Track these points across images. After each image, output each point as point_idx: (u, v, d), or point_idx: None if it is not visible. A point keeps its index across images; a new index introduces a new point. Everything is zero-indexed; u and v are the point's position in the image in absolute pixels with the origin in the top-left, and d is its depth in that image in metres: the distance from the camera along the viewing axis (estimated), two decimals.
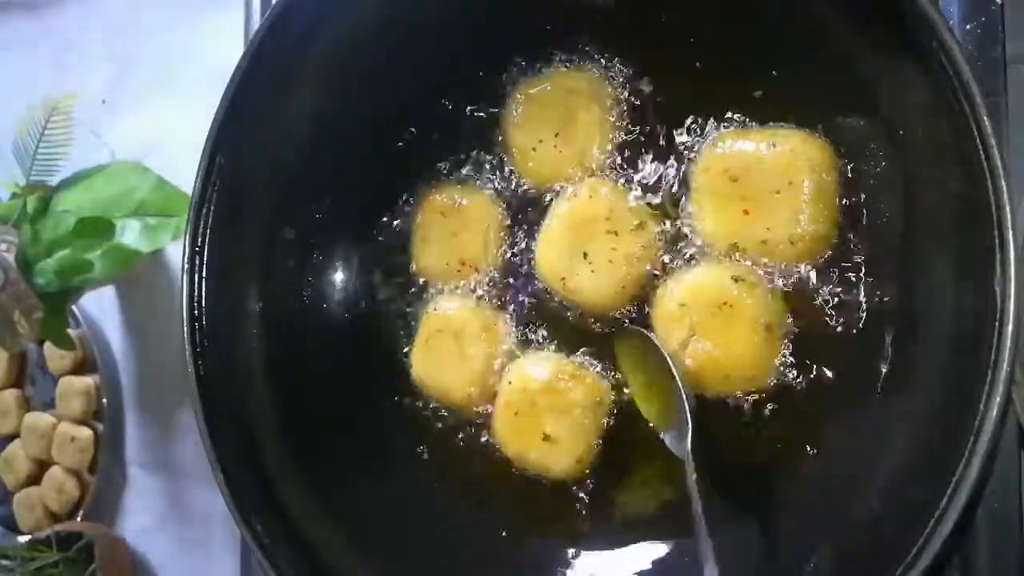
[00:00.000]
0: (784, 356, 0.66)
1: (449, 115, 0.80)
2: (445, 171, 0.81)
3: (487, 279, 0.78)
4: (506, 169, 0.78)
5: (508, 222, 0.78)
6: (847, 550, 0.60)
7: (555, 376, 0.72)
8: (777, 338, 0.65)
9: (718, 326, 0.65)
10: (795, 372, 0.66)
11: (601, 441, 0.72)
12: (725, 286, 0.65)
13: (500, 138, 0.78)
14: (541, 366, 0.73)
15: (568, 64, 0.76)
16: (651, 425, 0.69)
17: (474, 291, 0.78)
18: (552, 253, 0.73)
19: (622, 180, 0.73)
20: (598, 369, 0.73)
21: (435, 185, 0.81)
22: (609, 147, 0.73)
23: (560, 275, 0.72)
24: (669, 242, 0.70)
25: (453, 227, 0.78)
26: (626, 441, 0.72)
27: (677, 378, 0.64)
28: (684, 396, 0.63)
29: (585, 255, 0.71)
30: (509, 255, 0.78)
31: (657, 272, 0.70)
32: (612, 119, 0.73)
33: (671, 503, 0.70)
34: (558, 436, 0.71)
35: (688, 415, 0.63)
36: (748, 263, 0.67)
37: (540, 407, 0.72)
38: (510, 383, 0.74)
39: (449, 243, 0.79)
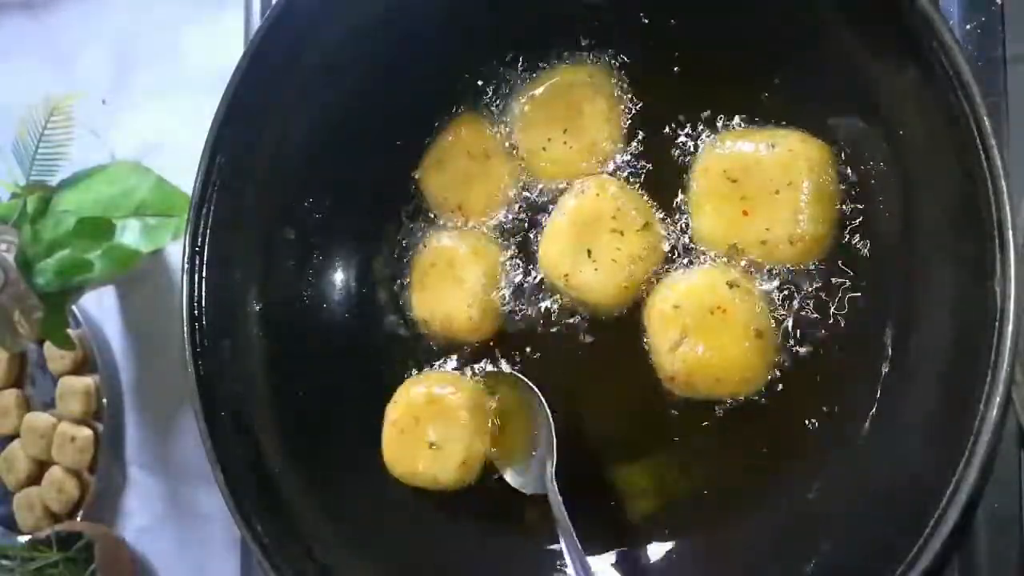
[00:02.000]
0: (779, 358, 0.66)
1: (451, 114, 0.80)
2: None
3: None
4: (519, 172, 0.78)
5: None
6: (847, 550, 0.60)
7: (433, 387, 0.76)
8: (769, 344, 0.65)
9: (710, 330, 0.65)
10: (793, 373, 0.66)
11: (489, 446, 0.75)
12: (720, 291, 0.65)
13: (507, 143, 0.78)
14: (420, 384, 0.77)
15: (567, 60, 0.76)
16: (500, 469, 0.74)
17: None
18: (556, 248, 0.73)
19: (628, 175, 0.73)
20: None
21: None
22: (620, 138, 0.73)
23: (563, 271, 0.72)
24: (671, 244, 0.70)
25: (468, 171, 0.79)
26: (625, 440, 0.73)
27: (544, 405, 0.69)
28: (550, 425, 0.68)
29: (589, 253, 0.71)
30: (514, 247, 0.78)
31: (659, 273, 0.70)
32: (619, 108, 0.73)
33: (667, 504, 0.70)
34: (442, 443, 0.74)
35: (553, 445, 0.67)
36: (744, 263, 0.67)
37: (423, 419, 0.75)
38: (395, 403, 0.77)
39: (463, 183, 0.79)
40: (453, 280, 0.77)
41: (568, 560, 0.62)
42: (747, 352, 0.65)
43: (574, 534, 0.63)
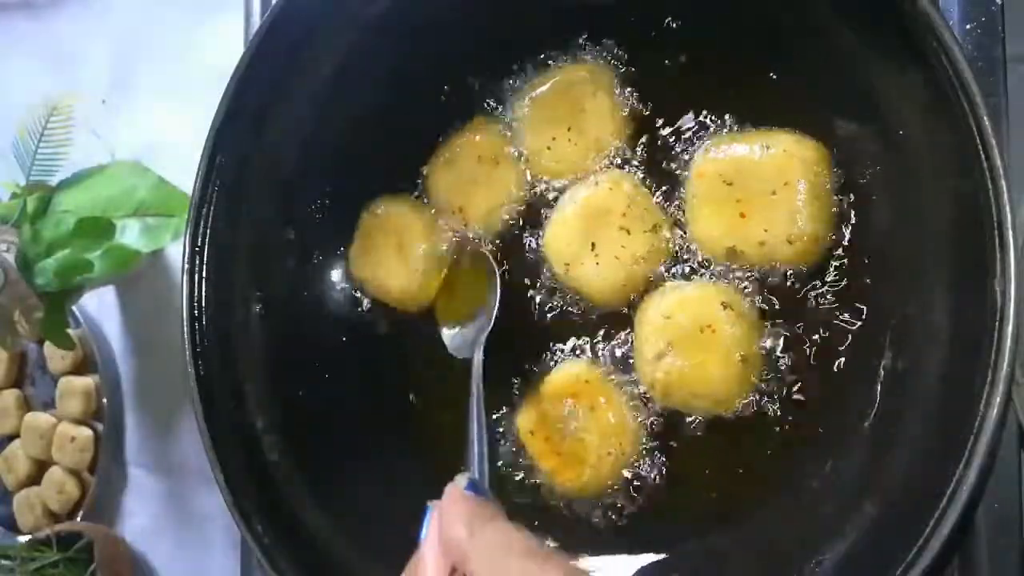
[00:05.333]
0: (773, 368, 0.66)
1: (456, 117, 0.80)
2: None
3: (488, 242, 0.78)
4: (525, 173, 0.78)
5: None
6: (847, 551, 0.60)
7: None
8: (752, 369, 0.66)
9: (695, 346, 0.66)
10: (792, 375, 0.66)
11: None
12: (712, 310, 0.66)
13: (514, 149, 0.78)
14: None
15: (564, 60, 0.76)
16: (440, 324, 0.78)
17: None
18: (561, 237, 0.72)
19: (639, 174, 0.73)
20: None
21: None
22: (623, 132, 0.73)
23: (565, 260, 0.72)
24: (674, 247, 0.70)
25: (476, 175, 0.78)
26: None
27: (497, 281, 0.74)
28: (497, 299, 0.74)
29: (593, 246, 0.70)
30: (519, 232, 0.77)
31: (660, 276, 0.70)
32: (620, 104, 0.73)
33: (666, 506, 0.70)
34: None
35: (493, 317, 0.73)
36: (741, 274, 0.67)
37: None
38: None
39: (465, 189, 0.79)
40: (397, 250, 0.79)
41: (472, 432, 0.62)
42: (727, 375, 0.65)
43: (482, 405, 0.65)
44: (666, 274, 0.70)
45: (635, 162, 0.73)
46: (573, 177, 0.74)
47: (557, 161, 0.75)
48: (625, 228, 0.70)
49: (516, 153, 0.77)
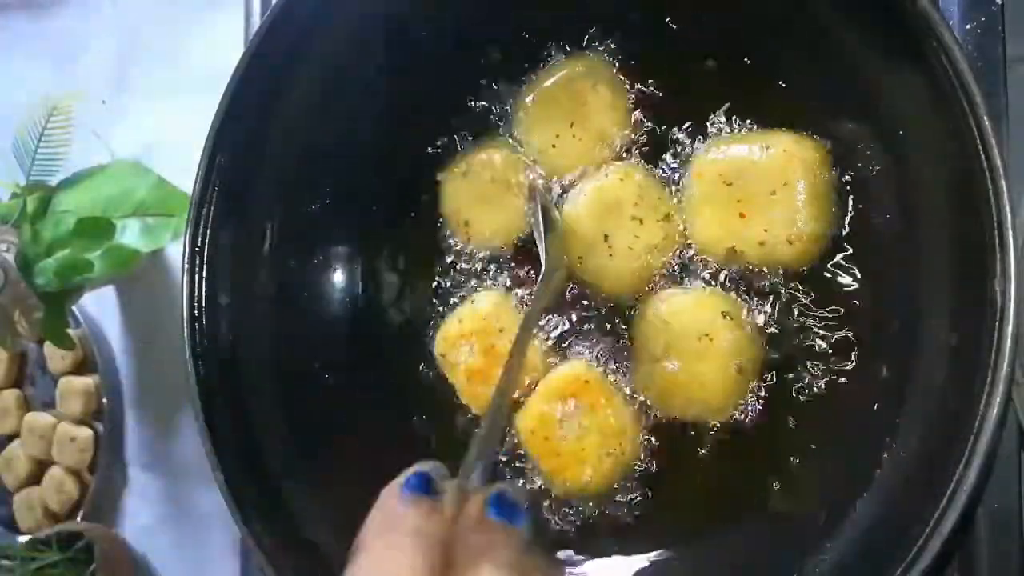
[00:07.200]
0: (769, 375, 0.66)
1: (451, 115, 0.80)
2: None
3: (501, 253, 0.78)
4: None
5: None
6: (847, 551, 0.60)
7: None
8: (748, 379, 0.66)
9: (693, 354, 0.66)
10: (792, 378, 0.66)
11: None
12: (711, 318, 0.66)
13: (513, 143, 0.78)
14: None
15: (562, 57, 0.75)
16: None
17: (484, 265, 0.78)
18: (572, 230, 0.72)
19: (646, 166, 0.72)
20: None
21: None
22: (627, 123, 0.73)
23: (578, 253, 0.72)
24: (682, 244, 0.70)
25: (487, 194, 0.77)
26: None
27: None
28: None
29: (606, 237, 0.70)
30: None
31: (670, 269, 0.70)
32: (623, 94, 0.73)
33: (662, 509, 0.70)
34: None
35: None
36: (741, 271, 0.67)
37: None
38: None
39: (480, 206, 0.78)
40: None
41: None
42: (724, 385, 0.65)
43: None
44: (670, 269, 0.70)
45: (636, 159, 0.73)
46: (581, 171, 0.74)
47: (564, 157, 0.74)
48: (638, 218, 0.70)
49: (528, 163, 0.76)
